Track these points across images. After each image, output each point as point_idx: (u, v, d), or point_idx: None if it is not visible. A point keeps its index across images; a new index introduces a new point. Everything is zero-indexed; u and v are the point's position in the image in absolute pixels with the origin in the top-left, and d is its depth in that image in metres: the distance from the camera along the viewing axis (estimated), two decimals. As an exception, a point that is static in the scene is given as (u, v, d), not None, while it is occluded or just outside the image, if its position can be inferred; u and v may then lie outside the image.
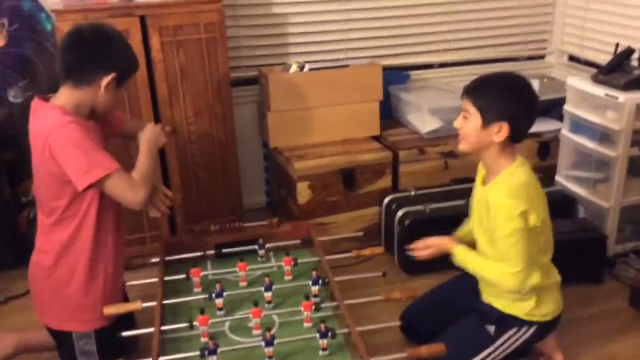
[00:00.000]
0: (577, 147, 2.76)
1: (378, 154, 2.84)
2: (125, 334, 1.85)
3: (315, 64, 2.98)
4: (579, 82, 2.68)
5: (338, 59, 3.20)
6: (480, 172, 1.99)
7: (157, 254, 2.27)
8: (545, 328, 1.94)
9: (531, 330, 1.90)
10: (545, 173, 2.98)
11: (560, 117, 2.98)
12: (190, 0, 2.53)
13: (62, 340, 2.01)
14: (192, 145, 2.74)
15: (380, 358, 1.69)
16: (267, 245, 2.28)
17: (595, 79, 2.64)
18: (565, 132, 2.80)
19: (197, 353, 1.70)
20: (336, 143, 2.94)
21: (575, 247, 2.52)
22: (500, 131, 1.78)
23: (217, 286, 1.97)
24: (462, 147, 1.88)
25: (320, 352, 1.78)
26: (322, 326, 1.76)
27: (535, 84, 3.14)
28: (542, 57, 3.65)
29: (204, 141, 2.75)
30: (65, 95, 1.86)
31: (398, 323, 1.96)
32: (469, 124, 1.82)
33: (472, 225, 2.00)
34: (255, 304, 1.91)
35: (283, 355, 1.78)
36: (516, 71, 1.92)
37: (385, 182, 2.86)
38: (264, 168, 3.33)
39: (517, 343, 1.90)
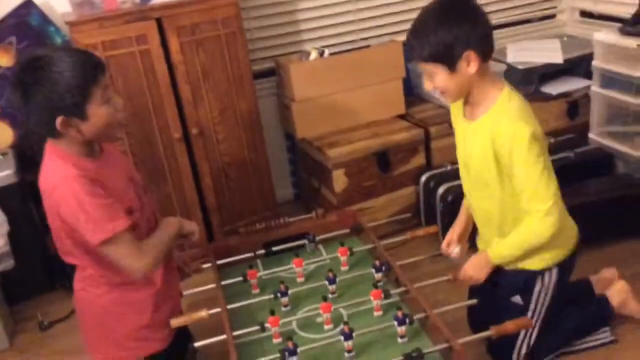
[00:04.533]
0: (611, 102, 2.72)
1: (410, 133, 2.78)
2: (198, 344, 1.80)
3: (332, 48, 2.92)
4: (607, 36, 2.63)
5: (353, 41, 3.13)
6: (457, 109, 1.82)
7: (206, 259, 2.21)
8: (567, 263, 1.85)
9: (554, 274, 1.83)
10: (576, 133, 2.95)
11: (586, 75, 2.94)
12: (205, -4, 2.46)
13: None
14: (219, 145, 2.67)
15: (467, 338, 1.65)
16: (317, 238, 2.23)
17: (623, 31, 2.59)
18: (596, 89, 2.76)
19: (277, 356, 1.65)
20: (363, 126, 2.89)
21: (618, 204, 2.50)
22: (470, 62, 1.60)
23: (282, 286, 1.92)
24: (449, 101, 1.77)
25: (399, 340, 1.73)
26: (399, 313, 1.71)
27: (557, 44, 3.10)
28: (553, 16, 3.60)
29: (231, 140, 2.69)
30: (57, 144, 1.66)
31: (474, 302, 1.90)
32: (439, 79, 1.64)
33: (463, 170, 1.86)
34: (324, 299, 1.85)
35: (362, 347, 1.73)
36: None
37: (419, 160, 2.81)
38: (288, 160, 3.27)
39: (550, 292, 1.84)
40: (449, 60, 1.60)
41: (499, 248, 1.81)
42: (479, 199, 1.85)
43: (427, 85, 1.70)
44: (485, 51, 1.64)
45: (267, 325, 1.78)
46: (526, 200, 1.68)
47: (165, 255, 1.81)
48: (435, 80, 1.65)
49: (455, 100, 1.77)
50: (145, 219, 1.84)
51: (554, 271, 1.83)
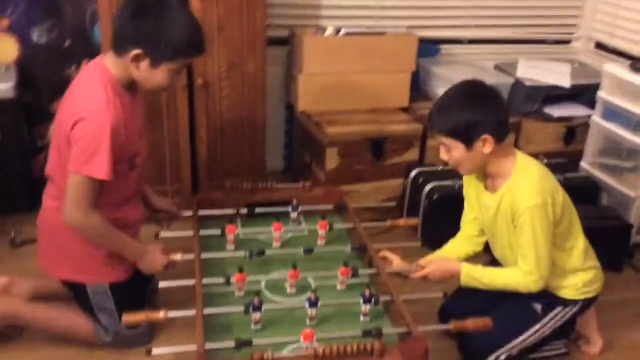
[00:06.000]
0: (608, 134, 2.76)
1: (409, 126, 2.81)
2: (162, 284, 1.82)
3: (349, 29, 2.92)
4: (618, 69, 2.67)
5: (371, 26, 3.13)
6: (474, 182, 1.95)
7: (186, 208, 2.23)
8: (589, 303, 1.98)
9: (576, 308, 1.94)
10: (568, 158, 2.99)
11: (589, 104, 2.98)
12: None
13: (78, 292, 1.97)
14: (221, 101, 2.68)
15: (426, 327, 1.69)
16: (300, 208, 2.25)
17: (633, 67, 2.63)
18: (597, 118, 2.80)
19: (242, 308, 1.68)
20: (365, 111, 2.91)
21: (598, 234, 2.53)
22: (486, 143, 1.74)
23: (258, 246, 1.94)
24: (464, 173, 1.89)
25: (362, 318, 1.77)
26: (367, 292, 1.75)
27: (567, 68, 3.13)
28: (568, 41, 3.63)
29: (233, 97, 2.70)
30: (111, 62, 1.77)
31: (440, 294, 1.95)
32: (455, 154, 1.78)
33: (491, 238, 1.98)
34: (294, 267, 1.88)
35: (324, 317, 1.77)
36: (480, 81, 1.86)
37: (413, 154, 2.84)
38: (284, 131, 3.28)
39: (563, 320, 1.93)
40: (467, 139, 1.74)
41: (477, 274, 1.87)
42: (501, 249, 1.95)
43: (443, 155, 1.83)
44: (501, 135, 1.78)
45: (232, 280, 1.81)
46: (520, 257, 1.82)
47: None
48: (452, 153, 1.79)
49: (468, 174, 1.91)
50: (143, 161, 1.95)
51: (579, 305, 1.94)
